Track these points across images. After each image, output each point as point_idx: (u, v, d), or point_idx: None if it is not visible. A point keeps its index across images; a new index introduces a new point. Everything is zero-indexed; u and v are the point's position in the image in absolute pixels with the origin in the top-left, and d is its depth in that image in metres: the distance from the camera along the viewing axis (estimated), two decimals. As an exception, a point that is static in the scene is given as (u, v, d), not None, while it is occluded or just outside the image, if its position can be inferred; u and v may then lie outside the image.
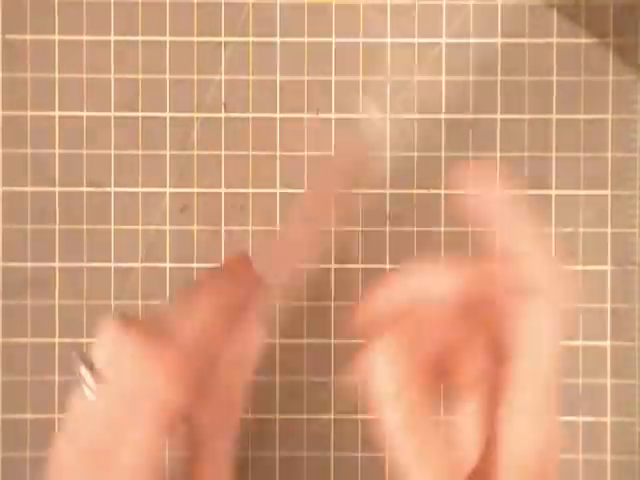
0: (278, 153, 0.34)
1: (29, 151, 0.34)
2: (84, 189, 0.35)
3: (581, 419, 0.34)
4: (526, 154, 0.35)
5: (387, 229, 0.35)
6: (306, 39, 0.34)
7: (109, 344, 0.24)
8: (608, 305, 0.35)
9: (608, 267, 0.35)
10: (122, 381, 0.24)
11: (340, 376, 0.34)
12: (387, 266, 0.34)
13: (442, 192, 0.34)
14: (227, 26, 0.34)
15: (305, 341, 0.34)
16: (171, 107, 0.34)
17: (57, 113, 0.34)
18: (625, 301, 0.34)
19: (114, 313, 0.26)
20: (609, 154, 0.35)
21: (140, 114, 0.34)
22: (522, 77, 0.34)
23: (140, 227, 0.35)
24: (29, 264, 0.34)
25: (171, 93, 0.34)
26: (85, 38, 0.34)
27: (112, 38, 0.34)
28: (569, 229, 0.35)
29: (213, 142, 0.34)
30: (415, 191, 0.35)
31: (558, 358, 0.22)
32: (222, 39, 0.34)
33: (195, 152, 0.34)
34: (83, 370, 0.24)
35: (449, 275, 0.25)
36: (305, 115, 0.34)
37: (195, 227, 0.34)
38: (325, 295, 0.34)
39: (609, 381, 0.34)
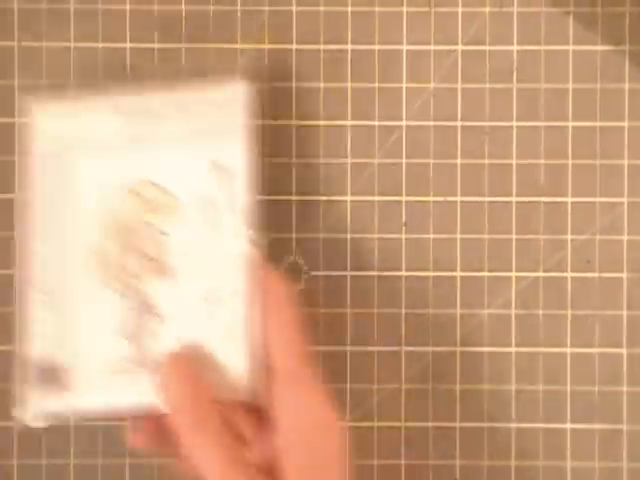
0: (294, 160, 0.35)
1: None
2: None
3: (597, 426, 0.34)
4: (542, 161, 0.35)
5: (403, 236, 0.35)
6: (322, 46, 0.34)
7: None
8: (624, 312, 0.35)
9: (624, 274, 0.35)
10: None
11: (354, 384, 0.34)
12: (403, 273, 0.34)
13: (458, 199, 0.34)
14: (243, 33, 0.34)
15: (322, 348, 0.34)
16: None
17: (73, 120, 0.34)
18: (641, 308, 0.35)
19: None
20: (625, 161, 0.35)
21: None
22: (538, 84, 0.34)
23: (155, 234, 0.34)
24: (44, 271, 0.34)
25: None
26: (100, 45, 0.34)
27: (128, 45, 0.34)
28: (585, 236, 0.35)
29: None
30: (431, 198, 0.35)
31: None
32: (238, 46, 0.34)
33: (212, 159, 0.34)
34: None
35: None
36: (321, 122, 0.34)
37: (210, 234, 0.34)
38: (341, 302, 0.34)
39: (625, 388, 0.34)
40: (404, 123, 0.34)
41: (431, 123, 0.35)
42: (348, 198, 0.35)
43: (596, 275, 0.35)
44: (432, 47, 0.35)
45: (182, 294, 0.32)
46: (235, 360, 0.30)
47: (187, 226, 0.32)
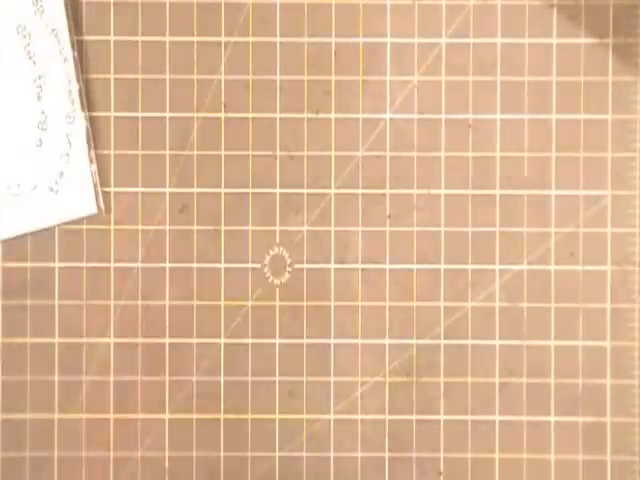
0: (278, 153, 0.35)
1: (29, 151, 0.35)
2: (84, 189, 0.35)
3: (581, 419, 0.34)
4: (526, 154, 0.35)
5: (387, 229, 0.35)
6: (306, 39, 0.35)
7: None
8: (608, 305, 0.35)
9: (608, 267, 0.35)
10: None
11: (339, 376, 0.34)
12: (387, 266, 0.34)
13: (442, 192, 0.34)
14: (227, 26, 0.35)
15: (305, 341, 0.34)
16: (171, 107, 0.34)
17: (57, 113, 0.35)
18: (625, 301, 0.34)
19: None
20: (609, 154, 0.35)
21: (140, 114, 0.34)
22: (522, 77, 0.35)
23: (140, 227, 0.35)
24: (29, 264, 0.34)
25: (171, 93, 0.34)
26: (85, 38, 0.34)
27: (112, 38, 0.34)
28: (569, 229, 0.35)
29: (213, 142, 0.34)
30: (415, 191, 0.35)
31: None
32: (222, 39, 0.35)
33: (195, 152, 0.34)
34: None
35: None
36: (305, 115, 0.35)
37: (195, 227, 0.34)
38: (325, 295, 0.35)
39: (609, 381, 0.34)
40: (388, 116, 0.35)
41: (415, 116, 0.35)
42: (332, 191, 0.35)
43: (580, 268, 0.35)
44: (416, 40, 0.35)
45: (10, 125, 0.32)
46: (79, 180, 0.32)
47: (8, 57, 0.32)
